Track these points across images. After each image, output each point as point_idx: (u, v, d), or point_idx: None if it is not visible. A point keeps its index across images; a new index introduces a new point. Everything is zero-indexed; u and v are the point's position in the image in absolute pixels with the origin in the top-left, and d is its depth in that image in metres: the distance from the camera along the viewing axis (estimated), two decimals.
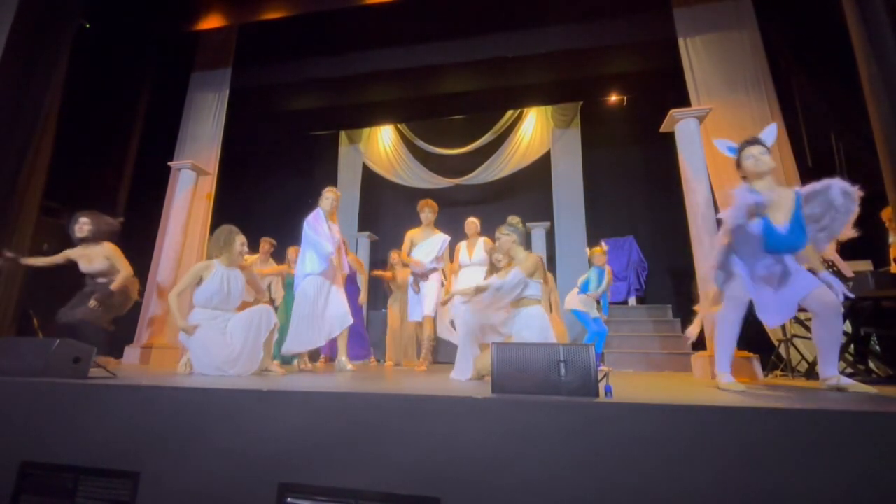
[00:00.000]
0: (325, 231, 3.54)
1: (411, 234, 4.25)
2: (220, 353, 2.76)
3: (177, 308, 2.87)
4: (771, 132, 2.42)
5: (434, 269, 4.11)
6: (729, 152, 2.47)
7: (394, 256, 5.25)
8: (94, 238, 3.61)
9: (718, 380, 2.29)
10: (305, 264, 3.52)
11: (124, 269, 3.64)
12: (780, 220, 2.23)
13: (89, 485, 1.67)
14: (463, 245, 4.22)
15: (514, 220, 3.01)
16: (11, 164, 3.66)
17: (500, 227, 2.99)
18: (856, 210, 2.21)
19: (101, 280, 3.60)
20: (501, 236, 2.94)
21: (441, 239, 4.15)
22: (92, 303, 3.40)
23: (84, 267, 3.58)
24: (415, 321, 4.23)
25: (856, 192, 2.20)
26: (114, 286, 3.55)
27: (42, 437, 1.80)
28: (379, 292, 6.45)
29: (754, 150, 2.35)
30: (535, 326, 2.69)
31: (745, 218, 2.24)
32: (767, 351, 3.70)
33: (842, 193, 2.20)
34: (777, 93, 4.21)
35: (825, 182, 2.24)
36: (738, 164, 2.43)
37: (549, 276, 4.56)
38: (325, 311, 3.53)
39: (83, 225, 3.59)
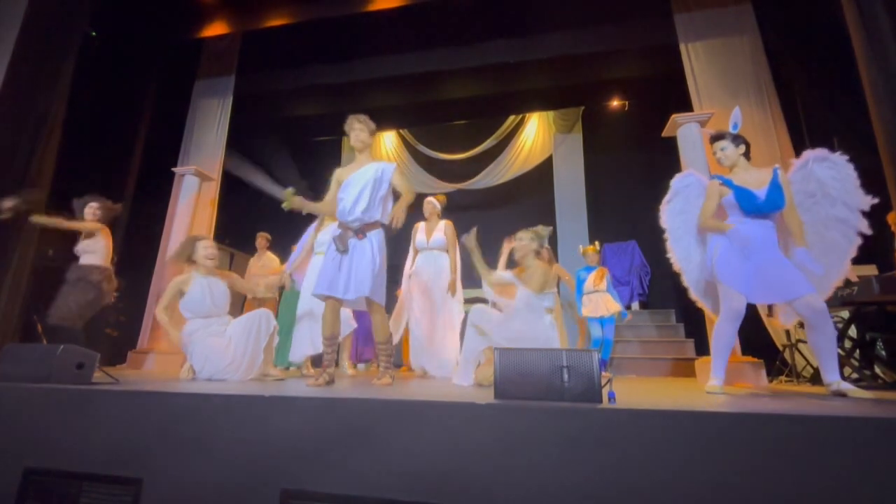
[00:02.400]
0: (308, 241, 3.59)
1: (338, 172, 2.87)
2: (222, 359, 2.77)
3: (167, 322, 2.91)
4: (734, 117, 2.60)
5: (375, 224, 2.62)
6: (732, 128, 2.60)
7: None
8: (101, 222, 3.63)
9: (708, 384, 2.36)
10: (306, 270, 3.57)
11: (107, 253, 3.60)
12: (759, 190, 2.38)
13: (92, 491, 1.67)
14: (421, 226, 3.83)
15: (542, 230, 2.95)
16: (18, 170, 3.69)
17: (521, 231, 2.92)
18: (852, 174, 2.34)
19: (85, 262, 3.55)
20: (520, 241, 2.89)
21: (378, 167, 2.68)
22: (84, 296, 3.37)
23: (83, 256, 3.54)
24: (324, 295, 2.59)
25: (837, 156, 2.38)
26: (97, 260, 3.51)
27: (45, 443, 1.81)
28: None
29: (718, 144, 2.54)
30: (540, 336, 2.70)
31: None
32: (772, 357, 3.68)
33: (815, 160, 2.40)
34: (779, 97, 4.22)
35: (803, 157, 2.47)
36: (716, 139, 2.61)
37: (569, 277, 4.49)
38: None
39: (95, 210, 3.62)
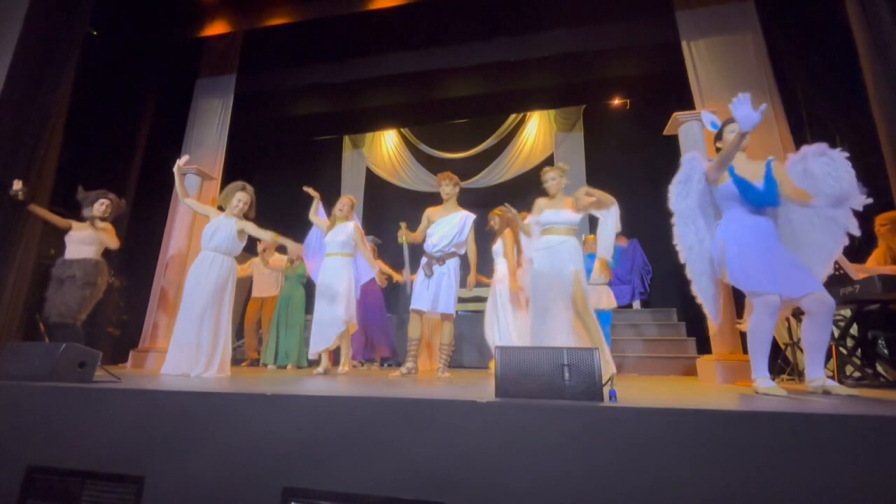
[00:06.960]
0: (320, 236, 3.86)
1: (429, 211, 3.72)
2: (198, 296, 3.16)
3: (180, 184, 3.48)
4: (711, 117, 2.63)
5: (453, 254, 3.48)
6: (711, 126, 2.60)
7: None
8: (107, 219, 3.68)
9: (757, 385, 2.17)
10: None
11: (101, 248, 3.62)
12: (757, 182, 2.31)
13: (94, 489, 1.68)
14: None
15: (563, 166, 3.56)
16: (20, 170, 3.69)
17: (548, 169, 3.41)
18: (850, 171, 2.26)
19: (77, 256, 3.52)
20: (552, 179, 3.47)
21: (461, 216, 3.54)
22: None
23: (75, 248, 3.53)
24: (417, 310, 3.46)
25: (835, 152, 2.32)
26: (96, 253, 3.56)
27: (47, 441, 1.81)
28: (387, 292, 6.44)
29: (730, 128, 2.47)
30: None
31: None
32: (773, 355, 3.67)
33: (812, 155, 2.36)
34: (781, 95, 4.20)
35: (800, 151, 2.43)
36: (719, 137, 2.55)
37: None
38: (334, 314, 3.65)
39: (107, 206, 3.66)
